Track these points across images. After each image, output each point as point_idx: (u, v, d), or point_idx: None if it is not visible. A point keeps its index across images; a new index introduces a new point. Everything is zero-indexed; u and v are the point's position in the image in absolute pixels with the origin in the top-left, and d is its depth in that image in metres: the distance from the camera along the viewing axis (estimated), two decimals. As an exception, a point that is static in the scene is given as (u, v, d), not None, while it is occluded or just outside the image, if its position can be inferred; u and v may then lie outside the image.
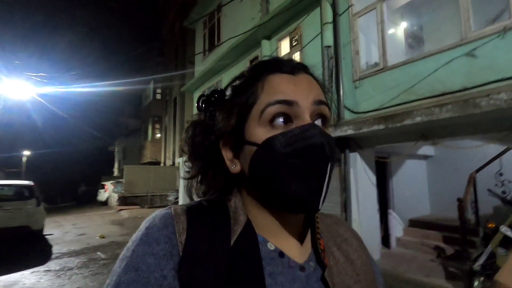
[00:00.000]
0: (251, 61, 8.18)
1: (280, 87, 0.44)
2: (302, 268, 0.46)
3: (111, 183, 16.42)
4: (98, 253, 5.75)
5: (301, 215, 0.48)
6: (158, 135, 19.39)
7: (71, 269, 4.76)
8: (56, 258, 5.47)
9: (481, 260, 3.27)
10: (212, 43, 10.48)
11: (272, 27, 7.03)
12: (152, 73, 20.38)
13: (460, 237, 4.87)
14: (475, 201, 4.99)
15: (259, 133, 0.43)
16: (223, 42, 9.23)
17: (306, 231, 0.51)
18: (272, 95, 0.43)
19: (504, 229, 3.16)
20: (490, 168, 4.79)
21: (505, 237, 3.17)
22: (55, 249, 6.13)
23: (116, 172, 25.67)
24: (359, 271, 0.51)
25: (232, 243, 0.43)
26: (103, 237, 7.17)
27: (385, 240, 5.66)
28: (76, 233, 8.08)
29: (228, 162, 0.48)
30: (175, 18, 16.83)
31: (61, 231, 8.46)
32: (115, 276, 0.39)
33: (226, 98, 0.49)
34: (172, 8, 17.45)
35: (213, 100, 0.51)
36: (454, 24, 4.05)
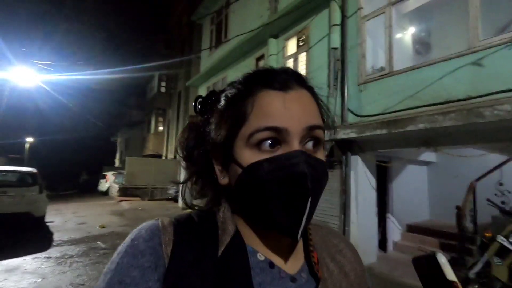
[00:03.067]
0: (257, 59, 8.19)
1: (269, 109, 0.42)
2: (293, 279, 0.46)
3: (112, 174, 16.55)
4: (98, 242, 5.84)
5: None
6: (161, 128, 19.46)
7: (71, 256, 4.84)
8: (57, 245, 5.56)
9: (476, 268, 3.31)
10: (219, 39, 10.48)
11: (280, 26, 7.03)
12: (158, 65, 20.41)
13: (457, 244, 4.91)
14: (474, 209, 5.01)
15: (245, 155, 0.43)
16: (230, 39, 9.23)
17: (297, 242, 0.50)
18: (261, 119, 0.42)
19: (500, 238, 3.20)
20: (491, 178, 4.81)
21: (502, 246, 3.20)
22: (56, 237, 6.23)
23: (117, 162, 25.82)
24: (353, 284, 0.51)
25: (220, 253, 0.42)
26: (104, 227, 7.27)
27: (383, 243, 5.71)
28: (76, 221, 8.18)
29: (218, 173, 0.48)
30: (183, 12, 16.82)
31: (62, 218, 8.56)
32: None
33: (219, 106, 0.48)
34: (181, 1, 17.43)
35: (210, 103, 0.51)
36: (462, 32, 4.05)
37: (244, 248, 0.44)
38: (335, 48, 5.49)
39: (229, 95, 0.47)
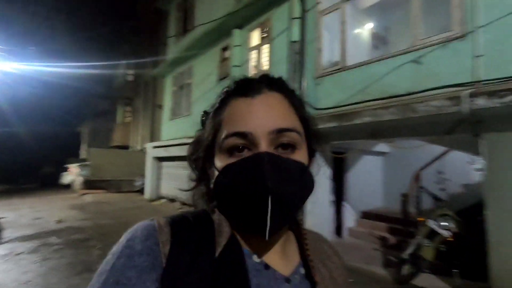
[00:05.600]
0: (223, 49, 8.11)
1: (236, 116, 0.45)
2: (287, 280, 0.47)
3: (76, 166, 15.77)
4: (52, 237, 5.62)
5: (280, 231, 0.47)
6: (128, 118, 18.75)
7: (20, 253, 4.63)
8: (6, 242, 5.27)
9: (409, 250, 3.63)
10: (185, 27, 10.20)
11: (244, 17, 6.99)
12: (125, 53, 19.47)
13: (402, 229, 5.33)
14: (418, 196, 5.43)
15: (220, 160, 0.45)
16: (196, 27, 9.03)
17: (291, 243, 0.53)
18: (229, 125, 0.44)
19: (430, 222, 3.52)
20: (434, 167, 5.24)
21: (431, 229, 3.53)
22: (7, 233, 5.88)
23: (83, 154, 24.61)
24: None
25: (217, 255, 0.43)
26: (60, 221, 6.98)
27: (339, 230, 6.04)
28: (32, 216, 7.76)
29: (211, 178, 0.50)
30: (150, -3, 16.06)
31: (16, 214, 8.08)
32: None
33: (208, 117, 0.51)
34: (147, -15, 16.60)
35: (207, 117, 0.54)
36: (408, 30, 4.28)
37: (241, 250, 0.45)
38: (295, 41, 5.58)
39: (215, 105, 0.50)
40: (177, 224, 0.45)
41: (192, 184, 0.54)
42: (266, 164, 0.41)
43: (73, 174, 15.75)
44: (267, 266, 0.46)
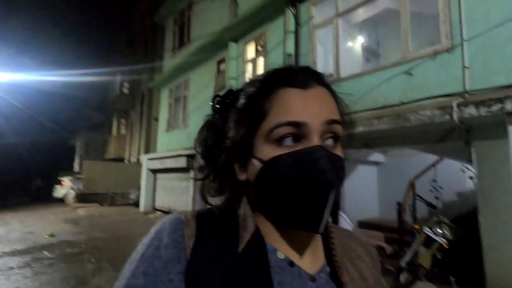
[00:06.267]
0: (219, 62, 8.26)
1: (290, 105, 0.43)
2: (312, 278, 0.46)
3: (69, 179, 15.54)
4: (45, 252, 5.49)
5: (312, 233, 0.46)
6: (124, 131, 18.69)
7: (11, 268, 4.51)
8: (-3, 257, 5.14)
9: (407, 257, 3.65)
10: (182, 41, 10.39)
11: (240, 31, 7.18)
12: (120, 65, 19.61)
13: (398, 237, 5.35)
14: (413, 204, 5.49)
15: (266, 150, 0.43)
16: (192, 41, 9.21)
17: (318, 241, 0.51)
18: (281, 114, 0.43)
19: (425, 229, 3.56)
20: (428, 176, 5.32)
21: (427, 237, 3.56)
22: (-3, 248, 5.74)
23: (76, 167, 24.28)
24: None
25: (240, 250, 0.43)
26: (53, 236, 6.83)
27: (335, 240, 6.02)
28: (23, 231, 7.59)
29: (236, 170, 0.49)
30: (146, 11, 16.36)
31: (6, 229, 7.89)
32: (124, 279, 0.40)
33: (238, 104, 0.49)
34: (143, 0, 16.95)
35: (227, 102, 0.51)
36: (399, 43, 4.46)
37: (264, 246, 0.44)
38: (290, 54, 5.74)
39: (249, 93, 0.48)
40: (203, 218, 0.46)
41: (204, 173, 0.52)
42: (326, 157, 0.41)
43: (66, 187, 15.50)
44: (292, 263, 0.45)
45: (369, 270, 0.53)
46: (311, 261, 0.48)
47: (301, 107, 0.42)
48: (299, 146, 0.42)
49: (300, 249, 0.47)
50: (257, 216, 0.47)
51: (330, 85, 0.49)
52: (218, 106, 0.52)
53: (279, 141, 0.42)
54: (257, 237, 0.45)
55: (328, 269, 0.49)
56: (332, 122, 0.43)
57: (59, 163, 25.13)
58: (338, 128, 0.45)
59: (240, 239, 0.44)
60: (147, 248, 0.42)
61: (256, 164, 0.44)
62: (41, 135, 24.78)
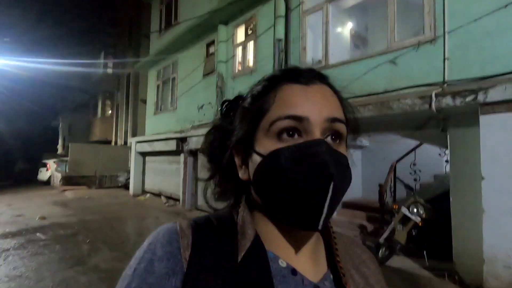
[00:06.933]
0: (208, 45, 8.16)
1: (291, 99, 0.42)
2: (316, 287, 0.44)
3: (54, 162, 15.29)
4: (38, 234, 5.57)
5: (311, 231, 0.45)
6: (109, 112, 18.29)
7: (6, 250, 4.60)
8: (-11, 240, 5.19)
9: (384, 235, 4.00)
10: (169, 22, 10.09)
11: (229, 13, 7.07)
12: (103, 45, 18.87)
13: (379, 217, 5.74)
14: (394, 186, 5.86)
15: (266, 144, 0.43)
16: (180, 22, 8.98)
17: (320, 247, 0.49)
18: (282, 108, 0.42)
19: (403, 209, 3.89)
20: (410, 159, 5.66)
21: (404, 216, 3.90)
22: (-13, 231, 5.77)
23: (60, 149, 23.76)
24: None
25: (240, 259, 0.41)
26: (44, 218, 6.87)
27: (321, 219, 6.37)
28: (12, 214, 7.58)
29: (238, 168, 0.48)
30: (130, -13, 15.62)
31: (-6, 212, 7.86)
32: None
33: (244, 104, 0.49)
34: (127, -24, 16.12)
35: (235, 105, 0.52)
36: (385, 32, 4.59)
37: (265, 254, 0.43)
38: (280, 39, 5.77)
39: (254, 92, 0.48)
40: (200, 226, 0.44)
41: (210, 175, 0.53)
42: (327, 151, 0.40)
43: (51, 170, 15.28)
44: (294, 271, 0.43)
45: (374, 276, 0.52)
46: (314, 268, 0.46)
47: (303, 101, 0.42)
48: (300, 141, 0.41)
49: (301, 256, 0.45)
50: (257, 219, 0.46)
51: (334, 85, 0.49)
52: (225, 110, 0.53)
53: (279, 135, 0.42)
54: (257, 245, 0.43)
55: (331, 276, 0.47)
56: (334, 120, 0.43)
57: (42, 145, 24.48)
58: (341, 127, 0.44)
59: (239, 247, 0.42)
60: (139, 263, 0.40)
61: (257, 159, 0.44)
62: (22, 117, 23.91)
